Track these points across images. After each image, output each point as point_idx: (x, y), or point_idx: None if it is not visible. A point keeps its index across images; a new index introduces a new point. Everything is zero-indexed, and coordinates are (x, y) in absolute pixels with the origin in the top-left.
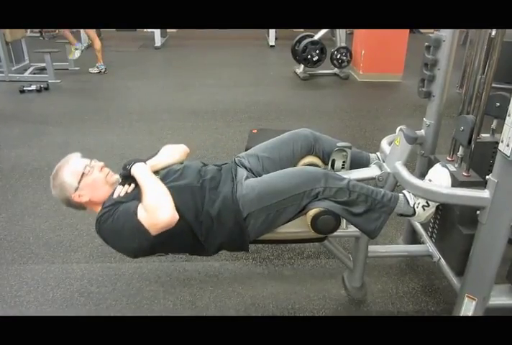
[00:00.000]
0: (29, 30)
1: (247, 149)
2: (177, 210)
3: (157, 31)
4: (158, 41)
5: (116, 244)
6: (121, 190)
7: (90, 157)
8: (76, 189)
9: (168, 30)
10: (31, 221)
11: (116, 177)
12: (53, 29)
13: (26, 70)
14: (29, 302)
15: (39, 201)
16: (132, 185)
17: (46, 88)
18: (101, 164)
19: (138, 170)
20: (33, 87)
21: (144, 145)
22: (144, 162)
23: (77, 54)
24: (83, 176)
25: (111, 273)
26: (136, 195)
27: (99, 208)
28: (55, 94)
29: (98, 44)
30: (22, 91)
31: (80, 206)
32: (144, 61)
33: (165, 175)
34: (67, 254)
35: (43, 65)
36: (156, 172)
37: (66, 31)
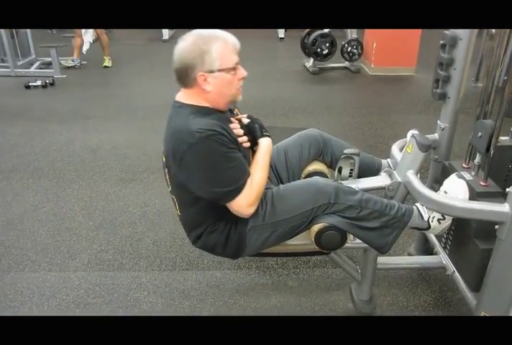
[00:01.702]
0: None
1: None
2: None
3: None
4: (166, 34)
5: (199, 168)
6: (241, 135)
7: (93, 156)
8: (211, 72)
9: None
10: (29, 225)
11: (240, 98)
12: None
13: (32, 64)
14: (23, 313)
15: (39, 204)
16: (248, 144)
17: (51, 84)
18: (245, 74)
19: (269, 149)
20: (38, 82)
21: (148, 143)
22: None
23: (110, 63)
24: (228, 70)
25: (108, 282)
26: (247, 158)
27: (200, 104)
28: (60, 90)
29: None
30: (28, 87)
31: (188, 83)
32: (152, 55)
33: None
34: (65, 261)
35: (50, 59)
36: None
37: (105, 41)
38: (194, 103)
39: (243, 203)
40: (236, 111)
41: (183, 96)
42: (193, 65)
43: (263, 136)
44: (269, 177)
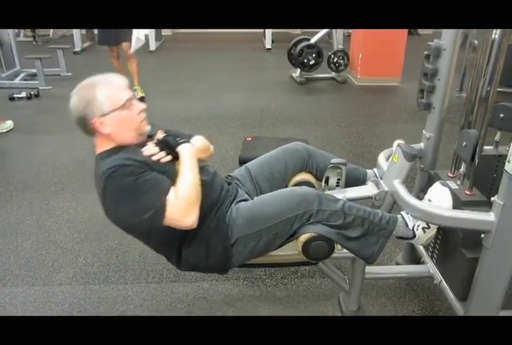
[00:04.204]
0: (21, 34)
1: (240, 159)
2: None
3: (151, 35)
4: (152, 45)
5: (117, 205)
6: (155, 153)
7: (79, 167)
8: (104, 115)
9: (163, 33)
10: (13, 239)
11: (148, 128)
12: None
13: (17, 76)
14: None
15: (22, 217)
16: (169, 157)
17: (36, 95)
18: (143, 106)
19: (189, 154)
20: (23, 94)
21: None
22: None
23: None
24: (121, 108)
25: (94, 296)
26: (169, 172)
27: (108, 147)
28: (45, 101)
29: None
30: (12, 98)
31: (90, 132)
32: (138, 65)
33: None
34: (49, 275)
35: (35, 70)
36: None
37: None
38: (103, 150)
39: (176, 217)
40: (158, 132)
41: (97, 148)
42: (85, 115)
43: (178, 145)
44: (246, 192)
